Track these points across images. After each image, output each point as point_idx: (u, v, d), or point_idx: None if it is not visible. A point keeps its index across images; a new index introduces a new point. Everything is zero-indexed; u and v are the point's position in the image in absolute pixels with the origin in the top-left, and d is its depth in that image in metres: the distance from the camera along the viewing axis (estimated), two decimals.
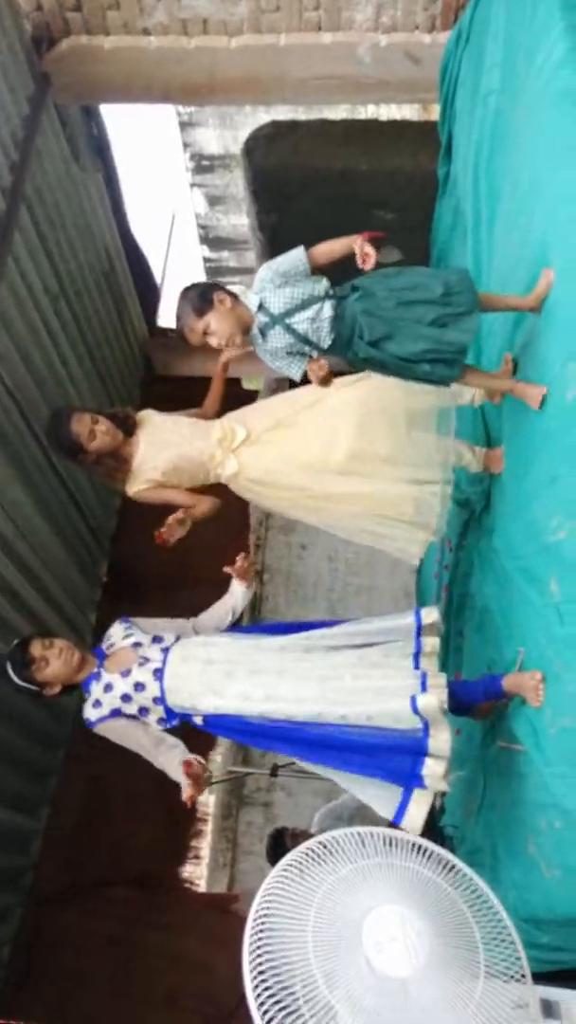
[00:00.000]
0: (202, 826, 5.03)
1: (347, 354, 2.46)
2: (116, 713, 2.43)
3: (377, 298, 2.37)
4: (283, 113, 6.21)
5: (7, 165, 3.93)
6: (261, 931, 1.34)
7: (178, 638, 2.51)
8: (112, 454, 2.73)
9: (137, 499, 2.78)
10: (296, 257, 2.43)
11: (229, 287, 2.53)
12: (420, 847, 1.61)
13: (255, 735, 2.38)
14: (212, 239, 9.50)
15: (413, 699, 2.16)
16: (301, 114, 6.03)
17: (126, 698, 2.40)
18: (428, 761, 2.18)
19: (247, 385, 6.61)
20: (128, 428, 2.76)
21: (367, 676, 2.27)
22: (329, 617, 5.73)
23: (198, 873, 4.96)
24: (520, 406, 2.50)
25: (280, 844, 3.35)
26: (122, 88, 4.33)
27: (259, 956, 1.27)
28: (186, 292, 2.48)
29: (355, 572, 5.89)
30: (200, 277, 9.69)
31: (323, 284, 2.43)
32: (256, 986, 1.23)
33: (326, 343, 2.44)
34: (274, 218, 5.20)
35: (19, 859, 4.53)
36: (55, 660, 2.44)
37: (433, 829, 3.50)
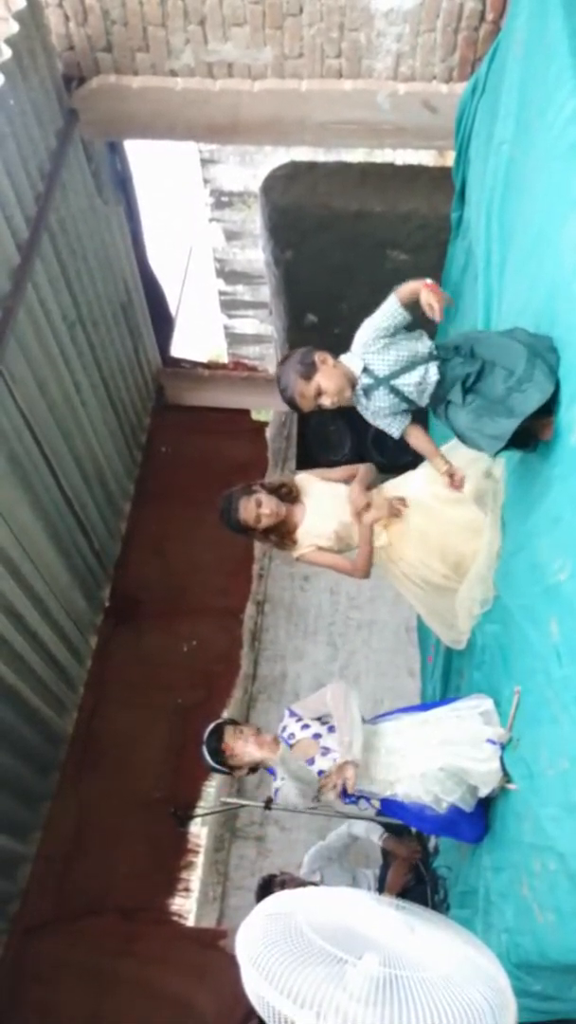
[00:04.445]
0: (193, 858, 4.94)
1: (436, 408, 2.46)
2: None
3: (488, 379, 2.30)
4: (302, 153, 6.36)
5: (33, 195, 4.04)
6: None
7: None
8: (277, 527, 2.99)
9: (301, 560, 3.06)
10: (393, 310, 2.39)
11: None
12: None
13: (414, 816, 2.70)
14: (228, 273, 9.68)
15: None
16: (319, 155, 6.17)
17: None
18: None
19: (256, 416, 6.67)
20: (291, 498, 3.01)
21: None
22: (330, 650, 5.73)
23: (187, 907, 4.87)
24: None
25: (268, 893, 3.30)
26: (148, 126, 4.47)
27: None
28: (285, 361, 2.54)
29: (357, 606, 5.87)
30: (215, 310, 9.84)
31: (425, 343, 2.42)
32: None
33: (425, 402, 2.47)
34: (289, 255, 5.29)
35: (6, 885, 4.47)
36: (246, 745, 2.75)
37: (427, 870, 3.46)
